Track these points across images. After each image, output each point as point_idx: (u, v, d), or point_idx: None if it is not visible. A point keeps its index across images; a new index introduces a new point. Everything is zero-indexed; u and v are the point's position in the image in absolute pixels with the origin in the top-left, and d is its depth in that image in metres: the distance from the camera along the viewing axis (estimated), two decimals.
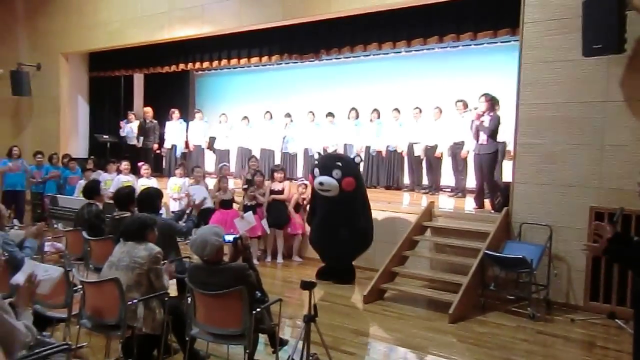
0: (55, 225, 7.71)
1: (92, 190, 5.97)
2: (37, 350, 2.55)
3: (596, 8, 5.03)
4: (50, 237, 6.90)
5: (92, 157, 10.44)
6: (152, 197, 4.91)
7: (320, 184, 6.18)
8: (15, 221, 7.67)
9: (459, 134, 7.96)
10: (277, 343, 3.85)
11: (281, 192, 7.53)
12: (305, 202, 7.52)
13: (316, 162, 6.70)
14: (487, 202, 6.90)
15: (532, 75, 5.82)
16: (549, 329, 5.09)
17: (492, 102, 6.63)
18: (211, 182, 8.65)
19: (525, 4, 5.86)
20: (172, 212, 7.66)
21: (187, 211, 5.46)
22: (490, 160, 6.60)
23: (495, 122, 6.50)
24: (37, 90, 11.36)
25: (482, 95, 6.67)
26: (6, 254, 3.62)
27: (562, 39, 5.60)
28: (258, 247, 7.52)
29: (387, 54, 9.27)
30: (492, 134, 6.50)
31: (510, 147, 7.10)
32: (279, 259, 7.55)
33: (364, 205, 6.54)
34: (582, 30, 5.18)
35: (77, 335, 3.96)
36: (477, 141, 6.68)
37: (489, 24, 6.90)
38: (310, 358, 3.58)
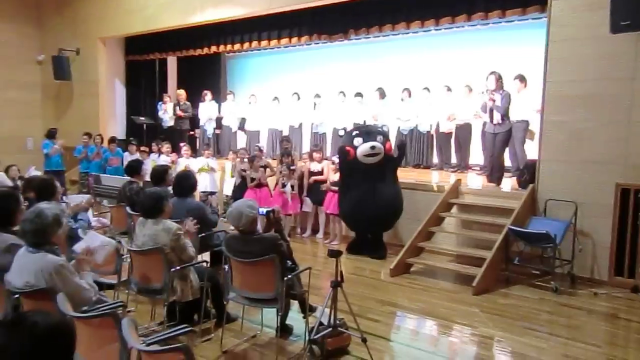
0: (101, 202, 8.19)
1: (133, 169, 6.35)
2: (98, 306, 2.90)
3: None
4: (97, 213, 7.37)
5: (131, 138, 10.88)
6: (189, 179, 5.17)
7: (372, 147, 6.46)
8: (65, 197, 8.17)
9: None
10: (307, 309, 4.13)
11: (320, 172, 7.72)
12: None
13: (355, 132, 6.85)
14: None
15: (560, 52, 5.83)
16: (572, 301, 5.23)
17: (501, 81, 6.69)
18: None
19: None
20: (201, 192, 7.99)
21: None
22: (506, 138, 6.72)
23: (507, 100, 6.58)
24: (76, 74, 11.85)
25: (490, 73, 6.74)
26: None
27: (590, 16, 5.59)
28: (291, 224, 7.81)
29: (417, 32, 9.28)
30: (506, 111, 6.58)
31: (532, 125, 7.14)
32: (320, 235, 7.80)
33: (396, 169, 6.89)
34: (610, 6, 5.15)
35: (126, 300, 4.34)
36: (492, 121, 6.76)
37: (518, 2, 6.87)
38: (338, 322, 3.85)
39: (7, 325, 1.22)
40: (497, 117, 6.66)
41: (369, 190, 6.56)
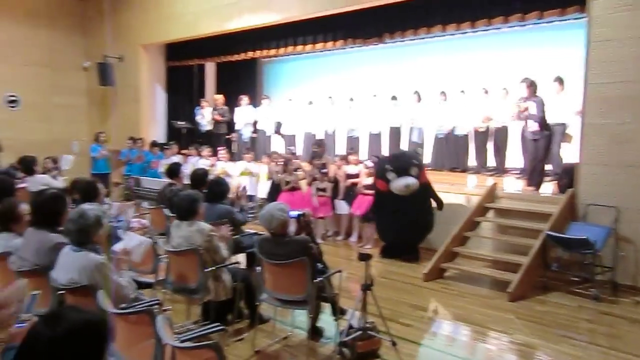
0: (141, 204, 8.48)
1: (173, 171, 6.55)
2: (135, 304, 3.02)
3: None
4: (137, 215, 7.63)
5: (171, 142, 11.19)
6: (221, 185, 5.33)
7: (407, 186, 6.41)
8: (107, 199, 8.50)
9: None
10: (337, 311, 4.16)
11: (357, 175, 7.74)
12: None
13: (387, 167, 6.68)
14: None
15: (600, 53, 5.67)
16: (613, 310, 5.07)
17: (533, 87, 6.53)
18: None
19: None
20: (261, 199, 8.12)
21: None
22: (547, 143, 6.59)
23: (542, 108, 6.41)
24: (119, 80, 12.29)
25: (522, 80, 6.60)
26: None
27: (631, 16, 5.42)
28: (324, 228, 7.85)
29: (453, 34, 9.18)
30: (542, 118, 6.42)
31: (570, 128, 6.94)
32: (353, 239, 7.81)
33: (431, 188, 6.83)
34: None
35: (163, 299, 4.48)
36: (527, 128, 6.62)
37: (556, 2, 6.70)
38: (368, 325, 3.87)
39: (46, 317, 1.33)
40: (533, 125, 6.52)
41: (398, 214, 6.60)
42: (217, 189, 5.23)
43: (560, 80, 7.05)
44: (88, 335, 1.30)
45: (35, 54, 12.08)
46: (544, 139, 6.61)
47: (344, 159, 8.06)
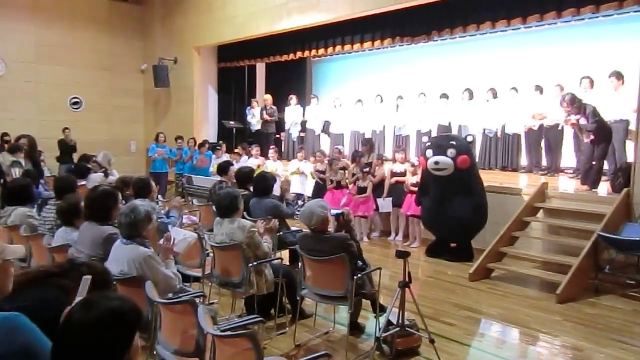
0: (191, 202, 8.81)
1: (223, 170, 6.80)
2: (180, 295, 3.20)
3: None
4: (187, 211, 7.95)
5: (220, 142, 11.52)
6: (267, 180, 5.54)
7: (436, 163, 6.39)
8: (160, 197, 8.90)
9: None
10: (377, 308, 4.20)
11: (403, 173, 7.72)
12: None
13: (428, 143, 6.86)
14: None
15: None
16: None
17: (576, 105, 6.23)
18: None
19: None
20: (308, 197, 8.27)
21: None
22: (605, 145, 6.30)
23: (594, 117, 6.13)
24: (174, 82, 12.80)
25: (564, 100, 6.33)
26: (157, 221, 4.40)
27: None
28: (369, 227, 7.88)
29: (505, 30, 8.96)
30: (597, 129, 6.14)
31: (633, 124, 6.60)
32: (399, 237, 7.80)
33: (478, 182, 6.66)
34: None
35: (209, 292, 4.68)
36: (585, 139, 6.40)
37: None
38: (407, 322, 3.88)
39: (81, 303, 1.47)
40: (589, 136, 6.28)
41: (440, 200, 6.59)
42: (263, 184, 5.42)
43: (618, 75, 6.74)
44: (118, 321, 1.41)
45: (95, 58, 12.80)
46: (602, 141, 6.31)
47: (380, 158, 8.10)
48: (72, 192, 4.75)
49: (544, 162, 8.46)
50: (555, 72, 8.51)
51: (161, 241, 3.52)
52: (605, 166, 7.00)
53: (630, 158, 6.49)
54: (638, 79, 5.70)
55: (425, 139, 7.55)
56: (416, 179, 7.36)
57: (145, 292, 2.96)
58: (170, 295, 3.17)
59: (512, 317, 4.83)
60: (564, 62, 8.53)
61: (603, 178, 6.91)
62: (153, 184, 5.13)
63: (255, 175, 5.94)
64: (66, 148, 11.08)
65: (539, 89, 8.42)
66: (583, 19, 7.82)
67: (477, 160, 7.57)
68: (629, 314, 4.87)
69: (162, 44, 13.06)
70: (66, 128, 11.29)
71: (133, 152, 13.40)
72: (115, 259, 3.23)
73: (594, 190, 6.51)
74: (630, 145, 6.71)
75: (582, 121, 6.27)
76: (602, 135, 6.27)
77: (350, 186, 7.94)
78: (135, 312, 1.46)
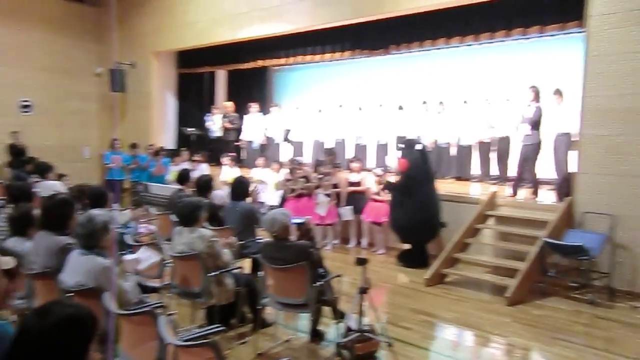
0: (149, 210, 8.66)
1: (183, 178, 6.73)
2: (139, 306, 3.18)
3: None
4: (144, 220, 7.81)
5: (183, 148, 11.34)
6: (244, 184, 5.67)
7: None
8: (116, 205, 8.70)
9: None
10: (337, 314, 4.29)
11: (359, 183, 7.85)
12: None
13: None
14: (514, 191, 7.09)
15: (598, 66, 5.82)
16: (608, 314, 5.17)
17: (538, 93, 6.65)
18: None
19: None
20: (271, 206, 8.28)
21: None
22: (535, 150, 6.68)
23: (538, 113, 6.53)
24: (131, 87, 12.52)
25: (530, 87, 6.75)
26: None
27: (627, 32, 5.57)
28: (333, 235, 7.98)
29: (458, 46, 9.31)
30: (535, 124, 6.55)
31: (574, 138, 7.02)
32: (364, 244, 7.92)
33: (423, 187, 6.92)
34: None
35: (168, 303, 4.63)
36: (522, 132, 6.81)
37: (557, 17, 6.86)
38: (366, 327, 4.00)
39: (37, 310, 1.48)
40: (526, 128, 6.71)
41: (396, 201, 6.97)
42: (240, 188, 5.54)
43: (559, 92, 7.14)
44: (74, 328, 1.42)
45: (48, 60, 12.34)
46: (534, 146, 6.71)
47: (336, 166, 8.23)
48: (29, 199, 4.62)
49: (495, 172, 8.82)
50: (504, 85, 8.90)
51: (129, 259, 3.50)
52: (552, 176, 7.40)
53: (572, 169, 6.90)
54: (581, 95, 6.05)
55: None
56: (380, 187, 7.53)
57: (103, 304, 2.94)
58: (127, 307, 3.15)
59: (465, 320, 5.04)
60: (512, 76, 8.93)
61: (551, 187, 7.31)
62: (109, 193, 5.05)
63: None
64: (17, 152, 10.65)
65: (488, 101, 8.78)
66: (530, 37, 8.26)
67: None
68: (571, 314, 5.17)
69: (120, 48, 12.77)
70: (15, 131, 10.87)
71: (87, 159, 13.02)
72: (72, 270, 3.19)
73: (515, 196, 6.95)
74: (573, 157, 7.14)
75: (529, 114, 6.67)
76: (535, 134, 6.70)
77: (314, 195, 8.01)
78: (91, 319, 1.48)
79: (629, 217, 5.63)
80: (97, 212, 3.37)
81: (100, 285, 3.08)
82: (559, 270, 5.83)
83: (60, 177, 7.59)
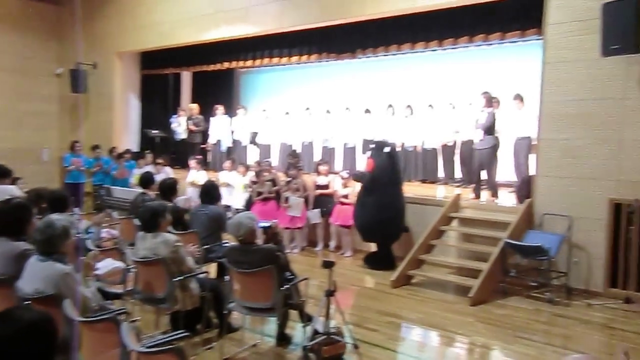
0: (111, 214, 8.45)
1: (147, 181, 6.59)
2: (101, 313, 3.11)
3: (614, 10, 5.22)
4: (106, 225, 7.61)
5: (147, 151, 11.13)
6: (215, 188, 5.64)
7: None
8: (76, 210, 8.46)
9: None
10: (304, 318, 4.29)
11: (326, 186, 7.88)
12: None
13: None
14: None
15: (555, 73, 6.04)
16: (567, 312, 5.36)
17: (490, 99, 6.85)
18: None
19: (548, 6, 6.08)
20: (237, 209, 8.21)
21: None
22: (489, 155, 6.90)
23: (491, 119, 6.76)
24: (92, 88, 12.17)
25: (482, 93, 6.96)
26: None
27: (583, 40, 5.79)
28: (302, 238, 7.97)
29: (424, 52, 9.45)
30: (487, 129, 6.77)
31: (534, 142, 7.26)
32: (331, 247, 7.94)
33: (387, 187, 7.00)
34: (601, 31, 5.35)
35: (131, 309, 4.54)
36: (475, 137, 7.05)
37: (517, 25, 7.11)
38: (333, 329, 4.02)
39: None
40: (479, 133, 6.91)
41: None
42: (210, 191, 5.51)
43: (520, 98, 7.39)
44: (35, 333, 1.39)
45: (6, 59, 11.88)
46: (488, 150, 6.91)
47: (316, 169, 8.21)
48: None
49: (459, 175, 9.01)
50: (468, 90, 9.10)
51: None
52: (512, 178, 7.63)
53: (532, 172, 7.13)
54: (539, 100, 6.27)
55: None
56: (347, 191, 7.58)
57: (64, 311, 2.85)
58: (88, 314, 3.07)
59: (430, 320, 5.13)
60: (476, 81, 9.14)
61: (512, 189, 7.53)
62: (69, 197, 4.91)
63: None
64: None
65: (453, 105, 8.98)
66: (492, 43, 8.50)
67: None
68: (532, 313, 5.34)
69: (81, 48, 12.43)
70: None
71: (45, 162, 12.59)
72: (30, 277, 3.09)
73: (479, 199, 7.12)
74: (533, 160, 7.38)
75: (481, 120, 6.89)
76: (489, 139, 6.93)
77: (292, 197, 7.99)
78: (54, 325, 1.44)
79: (584, 218, 5.85)
80: (56, 217, 3.26)
81: (60, 292, 2.98)
82: (519, 270, 6.01)
83: (14, 180, 7.31)
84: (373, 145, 7.21)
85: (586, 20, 5.72)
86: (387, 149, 7.00)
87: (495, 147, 6.99)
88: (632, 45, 5.11)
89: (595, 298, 5.69)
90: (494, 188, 7.17)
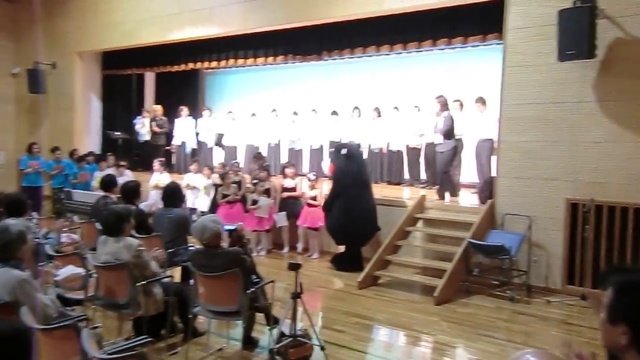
0: (72, 218, 8.21)
1: (109, 183, 6.43)
2: (61, 320, 3.02)
3: (570, 17, 5.44)
4: (66, 229, 7.39)
5: (110, 153, 10.86)
6: (177, 190, 5.56)
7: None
8: (35, 214, 8.18)
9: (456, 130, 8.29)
10: (271, 320, 4.28)
11: (293, 189, 7.86)
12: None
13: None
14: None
15: (514, 77, 6.23)
16: (526, 309, 5.53)
17: (445, 103, 7.00)
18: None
19: (508, 12, 6.26)
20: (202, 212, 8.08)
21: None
22: (448, 157, 7.07)
23: (449, 123, 6.92)
24: (52, 88, 11.81)
25: (436, 97, 7.09)
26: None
27: (541, 45, 5.99)
28: (268, 241, 7.94)
29: (389, 54, 9.58)
30: (446, 133, 6.93)
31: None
32: (299, 250, 7.93)
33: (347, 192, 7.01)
34: (557, 37, 5.55)
35: (92, 315, 4.42)
36: (435, 141, 7.23)
37: (478, 29, 7.31)
38: (299, 332, 4.02)
39: None
40: (438, 137, 7.07)
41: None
42: (172, 194, 5.43)
43: (482, 101, 7.57)
44: (10, 345, 1.35)
45: None
46: (449, 152, 7.08)
47: (282, 172, 8.19)
48: None
49: (423, 177, 9.16)
50: (432, 93, 9.23)
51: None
52: (474, 180, 7.81)
53: (494, 173, 7.32)
54: (498, 103, 6.45)
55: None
56: (315, 192, 7.59)
57: (21, 319, 2.76)
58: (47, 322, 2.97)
59: (396, 320, 5.19)
60: (439, 84, 9.30)
61: (474, 190, 7.71)
62: (27, 201, 4.73)
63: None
64: None
65: (418, 108, 9.13)
66: (455, 47, 8.69)
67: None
68: (494, 311, 5.48)
69: (39, 47, 12.03)
70: None
71: (1, 165, 12.13)
72: None
73: (443, 200, 7.27)
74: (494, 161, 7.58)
75: (440, 124, 7.05)
76: (449, 142, 7.11)
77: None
78: (29, 337, 1.40)
79: (542, 218, 6.05)
80: (12, 222, 3.15)
81: (17, 300, 2.88)
82: (482, 270, 6.16)
83: None
84: (332, 149, 7.29)
85: (544, 26, 5.92)
86: (343, 151, 7.07)
87: (455, 150, 7.15)
88: (586, 51, 5.33)
89: (554, 295, 5.88)
90: (453, 189, 7.31)
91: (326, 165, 7.27)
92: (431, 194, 7.69)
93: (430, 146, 8.77)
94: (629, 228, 5.56)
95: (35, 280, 3.12)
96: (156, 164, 9.39)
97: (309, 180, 7.77)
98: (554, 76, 5.93)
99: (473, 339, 4.72)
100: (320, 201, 7.52)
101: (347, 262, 6.98)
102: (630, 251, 5.54)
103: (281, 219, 7.74)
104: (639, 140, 5.54)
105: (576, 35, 5.35)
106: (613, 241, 5.66)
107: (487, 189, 6.70)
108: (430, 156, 8.82)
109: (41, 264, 3.87)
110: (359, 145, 7.99)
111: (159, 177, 9.06)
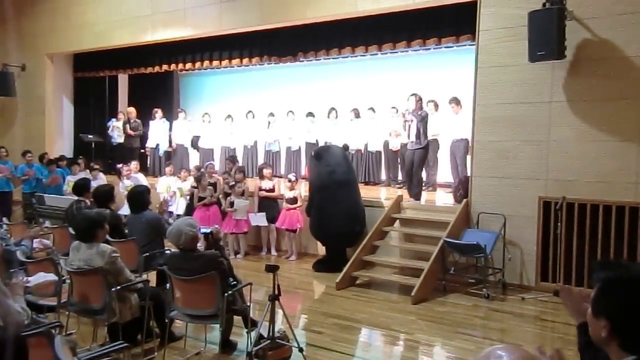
0: (44, 223, 8.02)
1: (83, 188, 6.30)
2: (33, 327, 2.94)
3: (540, 18, 5.56)
4: (39, 234, 7.21)
5: (81, 157, 10.64)
6: (142, 194, 5.42)
7: None
8: (5, 220, 7.96)
9: (431, 131, 8.38)
10: (249, 323, 4.26)
11: (272, 190, 7.83)
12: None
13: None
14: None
15: (487, 78, 6.33)
16: (502, 307, 5.62)
17: (421, 102, 7.10)
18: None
19: (480, 13, 6.37)
20: (178, 215, 7.97)
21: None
22: (421, 156, 7.14)
23: (424, 120, 7.01)
24: (22, 91, 11.58)
25: (412, 94, 7.16)
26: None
27: (513, 46, 6.10)
28: (245, 243, 7.89)
29: (365, 55, 9.63)
30: (419, 132, 7.02)
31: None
32: (273, 252, 7.91)
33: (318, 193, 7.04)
34: (528, 38, 5.66)
35: (66, 322, 4.33)
36: (408, 140, 7.28)
37: (452, 31, 7.44)
38: (278, 334, 4.01)
39: None
40: (412, 136, 7.12)
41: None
42: (139, 199, 5.30)
43: (456, 101, 7.68)
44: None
45: None
46: (420, 152, 7.15)
47: (260, 173, 8.16)
48: None
49: (400, 177, 9.23)
50: (407, 94, 9.33)
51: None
52: (449, 179, 7.91)
53: (469, 172, 7.42)
54: (472, 103, 6.55)
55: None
56: (294, 194, 7.58)
57: None
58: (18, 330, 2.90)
59: (375, 320, 5.22)
60: (416, 85, 9.35)
61: (449, 190, 7.80)
62: None
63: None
64: None
65: (396, 109, 9.19)
66: (429, 48, 8.80)
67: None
68: (470, 308, 5.56)
69: (8, 49, 11.76)
70: None
71: None
72: None
73: (418, 201, 7.29)
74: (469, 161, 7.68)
75: (413, 123, 7.06)
76: (422, 141, 7.10)
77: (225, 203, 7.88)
78: (22, 341, 1.36)
79: (516, 216, 6.16)
80: None
81: None
82: (458, 268, 6.23)
83: None
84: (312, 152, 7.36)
85: (515, 27, 6.03)
86: (312, 153, 7.11)
87: (426, 149, 7.20)
88: (556, 52, 5.46)
89: (528, 292, 5.99)
90: (419, 188, 7.32)
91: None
92: (408, 194, 7.75)
93: (406, 146, 8.85)
94: (599, 225, 5.70)
95: (6, 287, 3.03)
96: (132, 166, 9.24)
97: (289, 181, 7.75)
98: (525, 76, 6.04)
99: (450, 337, 4.77)
100: (300, 203, 7.51)
101: (328, 264, 6.94)
102: (600, 247, 5.68)
103: (259, 219, 7.70)
104: (608, 139, 5.69)
105: (546, 37, 5.47)
106: (584, 238, 5.80)
107: (462, 189, 6.79)
108: (408, 157, 8.89)
109: (12, 270, 3.76)
110: (346, 147, 7.90)
111: (134, 180, 8.90)
